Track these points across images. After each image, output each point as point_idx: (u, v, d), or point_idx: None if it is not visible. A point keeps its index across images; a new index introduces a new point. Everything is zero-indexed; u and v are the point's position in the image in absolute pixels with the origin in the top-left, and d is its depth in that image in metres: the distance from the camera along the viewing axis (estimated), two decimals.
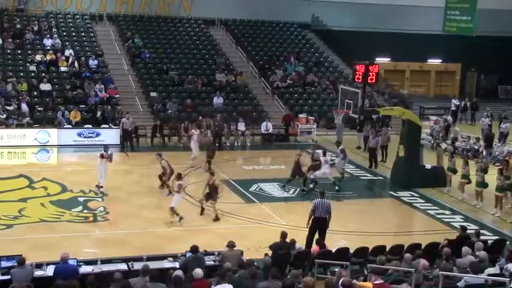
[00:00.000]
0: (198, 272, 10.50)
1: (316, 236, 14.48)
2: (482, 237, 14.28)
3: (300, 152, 21.44)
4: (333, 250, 13.57)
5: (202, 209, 17.66)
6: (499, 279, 10.56)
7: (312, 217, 14.73)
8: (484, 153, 25.27)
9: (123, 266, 12.17)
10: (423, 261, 11.29)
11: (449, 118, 30.93)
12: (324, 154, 20.84)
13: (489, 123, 30.09)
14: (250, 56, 36.09)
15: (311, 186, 20.17)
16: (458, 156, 23.88)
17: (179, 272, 10.51)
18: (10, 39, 32.05)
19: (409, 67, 43.69)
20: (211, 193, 17.46)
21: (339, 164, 21.58)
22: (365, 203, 20.16)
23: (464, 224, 16.32)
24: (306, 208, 18.51)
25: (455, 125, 30.25)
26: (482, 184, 19.36)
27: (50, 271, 11.59)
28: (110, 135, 26.77)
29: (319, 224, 14.67)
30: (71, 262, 11.59)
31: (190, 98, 30.76)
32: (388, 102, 34.17)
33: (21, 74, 30.12)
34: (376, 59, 36.07)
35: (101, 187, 19.49)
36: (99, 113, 27.85)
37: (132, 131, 26.54)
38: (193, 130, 24.74)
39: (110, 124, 27.26)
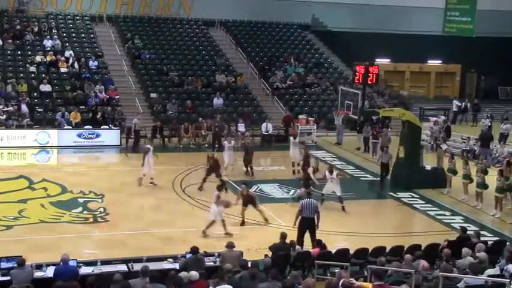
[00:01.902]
0: (193, 274, 10.49)
1: (318, 237, 14.50)
2: (482, 238, 14.27)
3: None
4: (333, 251, 13.57)
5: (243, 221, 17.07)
6: (499, 281, 10.55)
7: (300, 217, 14.83)
8: (477, 151, 25.28)
9: (123, 267, 12.18)
10: (423, 262, 11.28)
11: (442, 117, 30.96)
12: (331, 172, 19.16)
13: (489, 124, 30.09)
14: (250, 57, 36.10)
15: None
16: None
17: (183, 274, 10.49)
18: (10, 40, 32.05)
19: (409, 68, 43.70)
20: (251, 201, 17.13)
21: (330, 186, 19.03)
22: (365, 204, 20.15)
23: (464, 225, 16.30)
24: None
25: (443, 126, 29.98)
26: (483, 185, 19.35)
27: (50, 272, 11.60)
28: (110, 136, 26.80)
29: (307, 224, 14.78)
30: (71, 263, 11.58)
31: (190, 99, 30.77)
32: (388, 103, 34.15)
33: (21, 75, 30.12)
34: (376, 60, 36.11)
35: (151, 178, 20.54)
36: (99, 114, 27.85)
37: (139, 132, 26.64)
38: (225, 142, 23.12)
39: (110, 125, 27.26)
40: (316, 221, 14.99)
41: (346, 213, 18.44)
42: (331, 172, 19.01)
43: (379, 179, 22.69)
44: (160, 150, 25.43)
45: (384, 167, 22.24)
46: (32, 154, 25.07)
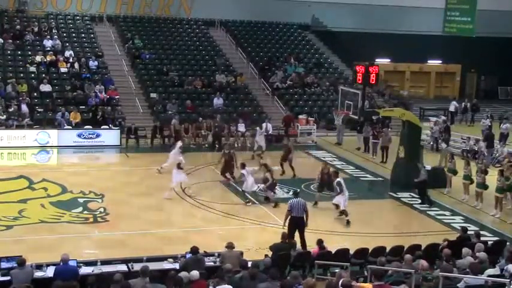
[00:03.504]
0: (194, 274, 10.50)
1: (318, 237, 14.49)
2: (482, 238, 14.27)
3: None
4: (333, 251, 13.57)
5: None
6: (499, 281, 10.55)
7: (289, 217, 14.95)
8: (485, 153, 25.28)
9: (123, 267, 12.18)
10: (422, 262, 11.28)
11: (443, 117, 30.97)
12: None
13: (489, 124, 30.10)
14: (250, 57, 36.09)
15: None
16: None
17: (183, 274, 10.49)
18: (10, 40, 32.04)
19: (409, 68, 43.72)
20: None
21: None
22: (365, 204, 20.14)
23: (464, 225, 16.31)
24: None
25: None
26: (483, 185, 19.35)
27: (50, 272, 11.60)
28: (110, 136, 26.80)
29: (296, 224, 14.91)
30: (71, 263, 11.58)
31: (190, 99, 30.76)
32: (388, 104, 34.16)
33: (21, 75, 30.11)
34: (376, 60, 36.10)
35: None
36: (99, 114, 27.84)
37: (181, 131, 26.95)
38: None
39: (110, 125, 27.26)
40: (305, 220, 15.10)
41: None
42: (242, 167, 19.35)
43: (380, 178, 22.54)
44: (160, 150, 25.53)
45: (422, 187, 19.86)
46: (32, 154, 25.06)
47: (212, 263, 12.56)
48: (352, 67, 27.25)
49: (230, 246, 12.58)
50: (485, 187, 19.36)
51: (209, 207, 18.51)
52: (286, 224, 15.02)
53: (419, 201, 19.89)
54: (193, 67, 34.08)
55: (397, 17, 40.37)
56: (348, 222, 17.45)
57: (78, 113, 27.61)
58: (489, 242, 14.09)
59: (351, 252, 13.70)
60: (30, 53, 31.84)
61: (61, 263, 11.40)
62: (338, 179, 18.08)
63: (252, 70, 35.04)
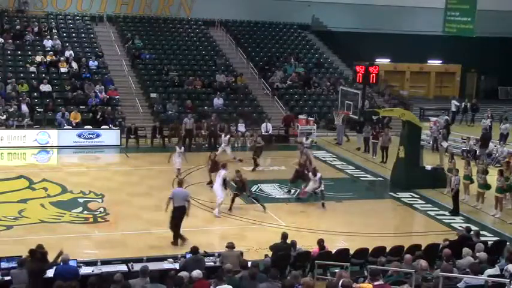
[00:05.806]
0: (195, 273, 10.49)
1: (318, 237, 14.49)
2: (482, 238, 14.26)
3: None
4: (333, 251, 13.57)
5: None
6: (499, 281, 10.55)
7: (173, 207, 15.21)
8: (477, 152, 25.28)
9: (123, 267, 12.18)
10: (423, 262, 11.28)
11: (445, 117, 31.05)
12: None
13: (489, 124, 30.09)
14: (250, 57, 36.09)
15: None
16: None
17: (184, 274, 10.49)
18: (10, 40, 32.04)
19: (409, 68, 43.70)
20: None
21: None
22: (365, 204, 20.15)
23: (464, 225, 16.29)
24: (307, 210, 18.70)
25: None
26: (485, 186, 19.34)
27: (50, 272, 11.57)
28: (110, 136, 26.80)
29: (179, 212, 15.22)
30: (71, 263, 11.58)
31: (190, 99, 30.76)
32: (388, 104, 34.16)
33: (21, 75, 30.11)
34: (376, 60, 36.09)
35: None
36: (99, 114, 27.84)
37: (193, 131, 26.85)
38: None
39: (110, 125, 27.26)
40: (186, 209, 15.34)
41: (344, 210, 18.68)
42: (314, 174, 19.19)
43: (380, 178, 22.54)
44: (160, 150, 25.53)
45: (457, 194, 19.11)
46: (32, 154, 25.06)
47: (212, 263, 12.56)
48: (352, 67, 27.27)
49: (230, 246, 12.59)
50: (488, 187, 19.35)
51: (209, 207, 18.50)
52: (169, 210, 15.29)
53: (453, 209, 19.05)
54: (193, 67, 34.08)
55: (397, 17, 40.36)
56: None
57: (78, 113, 27.61)
58: (489, 242, 14.08)
59: (351, 252, 13.69)
60: (30, 53, 31.84)
61: (61, 263, 11.40)
62: (320, 174, 19.29)
63: (252, 70, 35.04)
